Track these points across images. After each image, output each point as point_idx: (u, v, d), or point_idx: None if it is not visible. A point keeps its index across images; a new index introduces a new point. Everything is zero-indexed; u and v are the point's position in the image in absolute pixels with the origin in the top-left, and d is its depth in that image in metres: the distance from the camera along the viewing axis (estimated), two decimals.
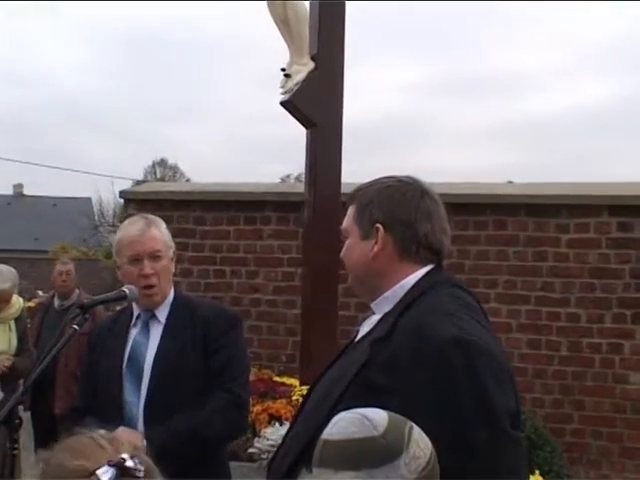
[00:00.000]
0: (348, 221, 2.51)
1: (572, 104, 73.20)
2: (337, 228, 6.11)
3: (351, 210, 2.51)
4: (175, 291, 3.60)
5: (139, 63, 74.05)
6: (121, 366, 3.46)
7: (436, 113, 72.68)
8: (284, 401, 5.86)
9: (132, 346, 3.50)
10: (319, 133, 6.19)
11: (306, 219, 6.44)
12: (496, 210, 7.23)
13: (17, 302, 6.88)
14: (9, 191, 50.54)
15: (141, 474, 1.53)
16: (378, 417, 1.97)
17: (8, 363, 6.51)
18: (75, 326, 3.26)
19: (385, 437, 1.93)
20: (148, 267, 3.46)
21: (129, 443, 1.62)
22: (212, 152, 65.00)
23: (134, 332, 3.53)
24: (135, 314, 3.56)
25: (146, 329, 3.51)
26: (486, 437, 2.11)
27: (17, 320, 6.85)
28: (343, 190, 6.32)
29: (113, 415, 3.27)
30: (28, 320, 7.28)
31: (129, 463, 1.53)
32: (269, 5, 6.01)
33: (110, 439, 1.60)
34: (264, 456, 5.50)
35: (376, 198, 2.45)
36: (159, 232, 3.53)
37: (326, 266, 6.28)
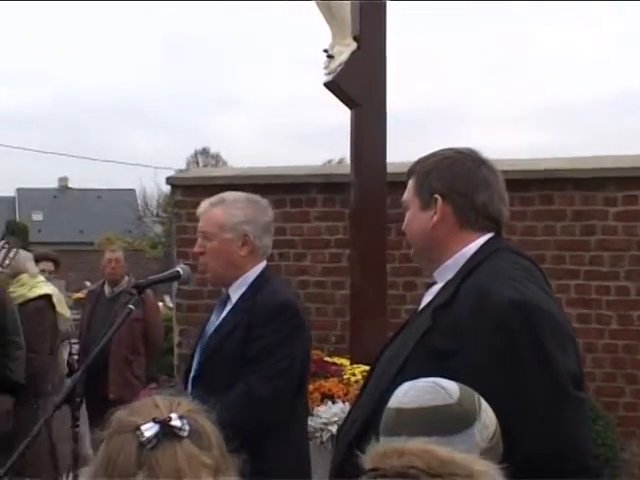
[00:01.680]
0: (408, 193, 2.56)
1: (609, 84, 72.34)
2: (383, 208, 6.24)
3: (411, 182, 2.55)
4: (260, 273, 3.54)
5: (179, 55, 74.41)
6: (197, 343, 3.60)
7: (479, 94, 72.14)
8: (336, 380, 5.90)
9: (207, 324, 3.61)
10: (363, 113, 6.18)
11: (352, 200, 6.45)
12: (542, 185, 7.19)
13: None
14: (55, 184, 51.15)
15: (185, 434, 1.59)
16: (450, 385, 1.98)
17: None
18: (131, 306, 3.35)
19: (460, 404, 1.95)
20: (197, 245, 3.56)
21: (187, 405, 1.67)
22: (253, 140, 65.21)
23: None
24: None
25: (221, 308, 3.57)
26: (549, 398, 2.13)
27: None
28: (389, 170, 6.33)
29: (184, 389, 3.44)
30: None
31: (175, 422, 1.59)
32: None
33: (169, 400, 1.66)
34: (317, 434, 5.53)
35: (435, 169, 2.49)
36: (221, 212, 3.52)
37: (373, 246, 6.30)
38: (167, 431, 1.58)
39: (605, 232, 7.04)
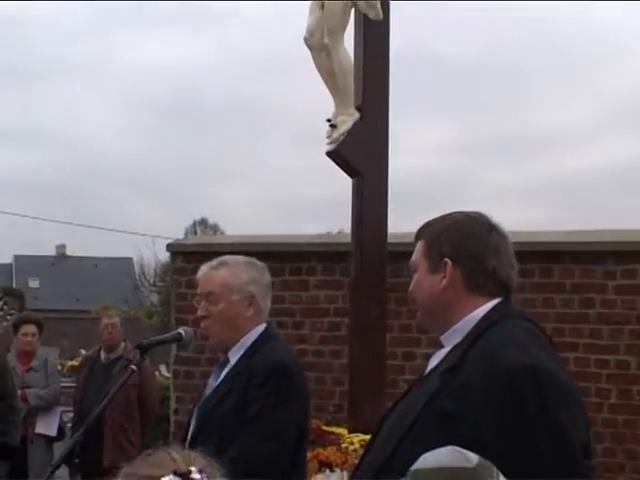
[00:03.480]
0: (417, 255, 2.54)
1: (606, 160, 72.91)
2: (383, 277, 6.22)
3: (419, 245, 2.54)
4: (260, 335, 3.50)
5: (178, 124, 75.06)
6: (194, 407, 3.57)
7: (476, 172, 72.70)
8: (334, 448, 5.85)
9: (205, 388, 3.57)
10: (365, 182, 6.22)
11: (352, 269, 6.46)
12: (542, 258, 7.21)
13: None
14: (52, 252, 51.25)
15: None
16: (470, 453, 1.97)
17: None
18: (133, 366, 3.34)
19: (477, 470, 1.93)
20: (200, 309, 3.52)
21: (202, 459, 1.65)
22: (251, 211, 65.30)
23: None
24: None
25: (220, 371, 3.52)
26: (559, 466, 2.11)
27: None
28: (389, 240, 6.36)
29: None
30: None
31: (195, 475, 1.56)
32: (314, 57, 6.10)
33: (185, 454, 1.64)
34: None
35: (444, 232, 2.49)
36: (227, 273, 3.51)
37: (373, 315, 6.29)
38: None
39: (604, 305, 7.04)
